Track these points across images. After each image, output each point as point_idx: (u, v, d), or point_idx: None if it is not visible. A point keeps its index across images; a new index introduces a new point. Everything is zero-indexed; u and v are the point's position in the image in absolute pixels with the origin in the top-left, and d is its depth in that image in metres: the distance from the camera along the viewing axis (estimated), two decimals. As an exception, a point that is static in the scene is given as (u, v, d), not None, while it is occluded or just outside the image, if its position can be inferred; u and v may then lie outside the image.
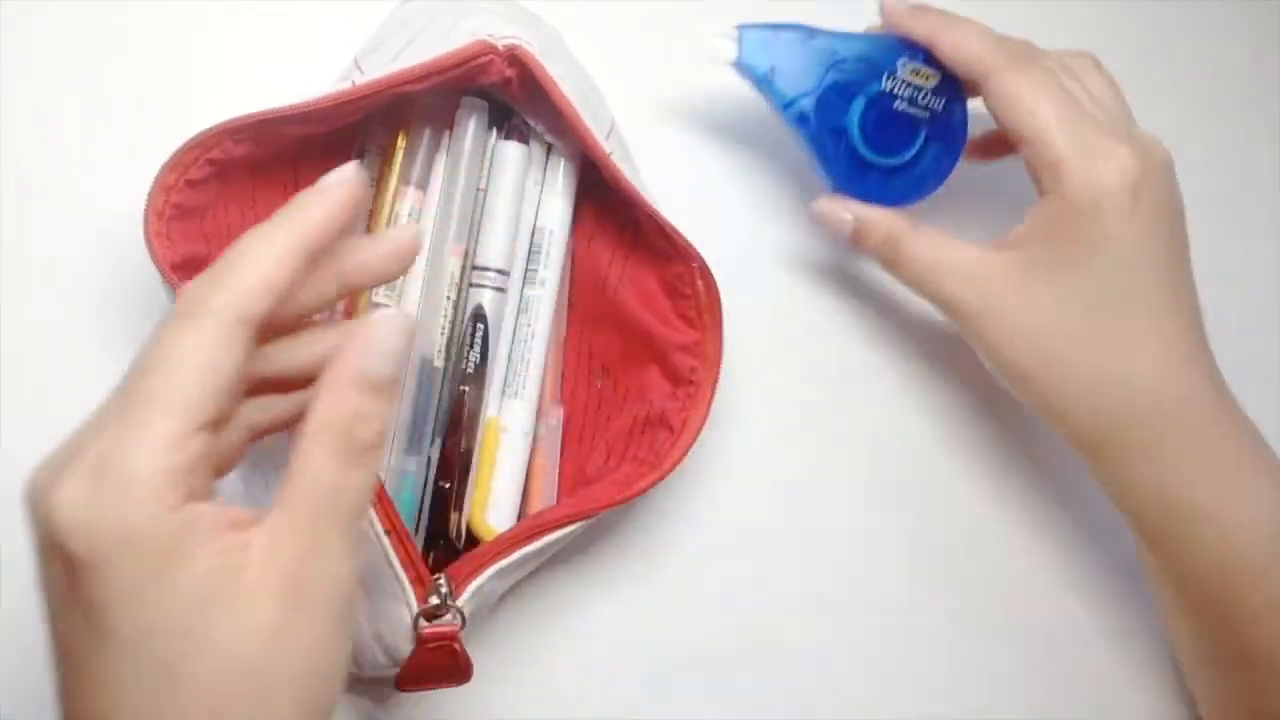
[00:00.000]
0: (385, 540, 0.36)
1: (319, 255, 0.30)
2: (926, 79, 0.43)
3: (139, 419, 0.27)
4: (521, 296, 0.43)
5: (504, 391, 0.43)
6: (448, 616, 0.36)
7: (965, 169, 0.46)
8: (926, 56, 0.43)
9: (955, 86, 0.44)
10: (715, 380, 0.40)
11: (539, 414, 0.43)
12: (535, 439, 0.43)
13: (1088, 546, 0.48)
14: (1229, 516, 0.40)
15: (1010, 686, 0.47)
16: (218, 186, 0.38)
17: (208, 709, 0.26)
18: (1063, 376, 0.41)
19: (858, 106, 0.43)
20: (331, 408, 0.28)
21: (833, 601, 0.47)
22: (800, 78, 0.43)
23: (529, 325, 0.43)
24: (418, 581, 0.36)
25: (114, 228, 0.37)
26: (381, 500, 0.36)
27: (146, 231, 0.36)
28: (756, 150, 0.49)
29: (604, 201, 0.44)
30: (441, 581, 0.36)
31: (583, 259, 0.45)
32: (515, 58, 0.39)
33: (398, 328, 0.29)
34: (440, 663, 0.37)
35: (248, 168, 0.39)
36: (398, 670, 0.37)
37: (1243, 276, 0.53)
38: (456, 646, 0.36)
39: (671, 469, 0.39)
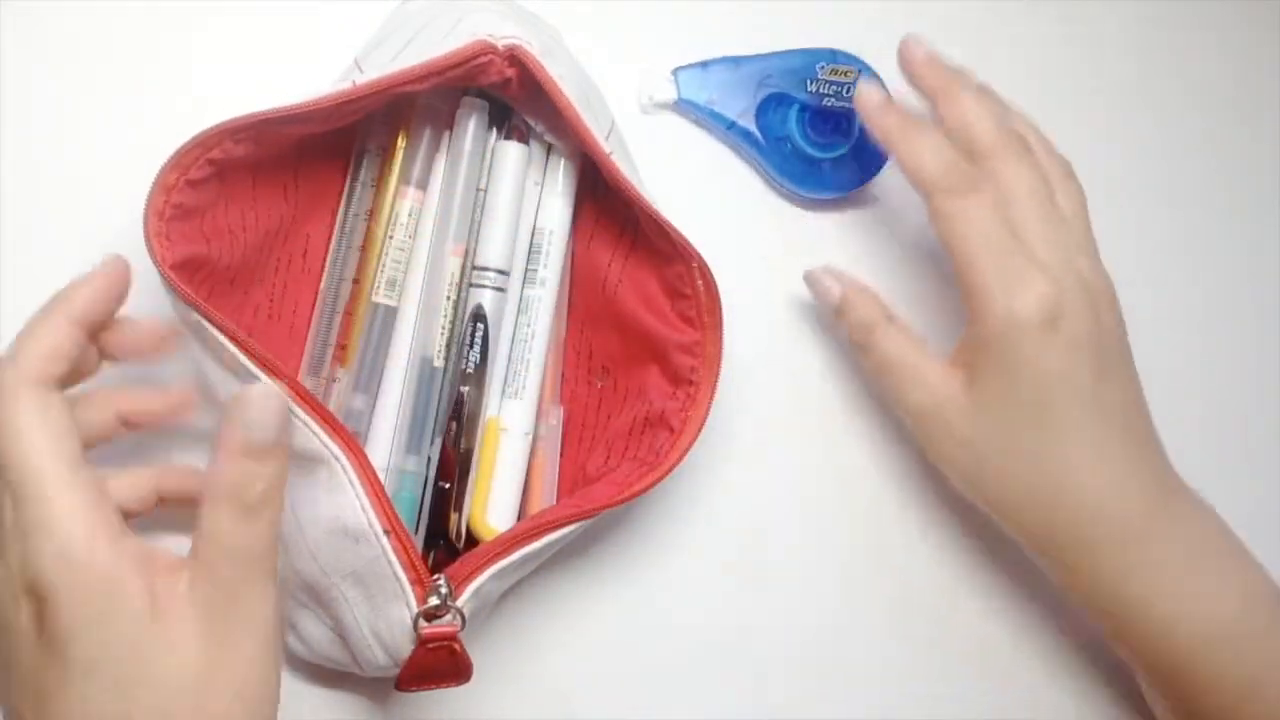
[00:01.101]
0: (385, 540, 0.36)
1: (93, 325, 0.35)
2: (846, 75, 0.48)
3: (46, 479, 0.32)
4: (521, 296, 0.43)
5: (504, 391, 0.43)
6: (447, 617, 0.36)
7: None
8: (842, 56, 0.48)
9: (874, 73, 0.48)
10: (715, 380, 0.40)
11: (539, 414, 0.43)
12: (535, 439, 0.43)
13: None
14: (1175, 618, 0.41)
15: (1009, 689, 0.47)
16: (218, 186, 0.38)
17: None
18: (999, 484, 0.43)
19: (793, 113, 0.48)
20: (221, 473, 0.32)
21: (832, 601, 0.47)
22: (736, 101, 0.48)
23: (529, 325, 0.43)
24: (417, 582, 0.36)
25: (114, 228, 0.37)
26: (381, 500, 0.36)
27: (146, 232, 0.36)
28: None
29: (604, 201, 0.44)
30: (441, 582, 0.36)
31: (583, 259, 0.45)
32: (515, 58, 0.39)
33: (271, 400, 0.33)
34: (440, 663, 0.37)
35: (248, 168, 0.39)
36: (398, 670, 0.37)
37: (1247, 278, 0.53)
38: (456, 647, 0.36)
39: (671, 469, 0.39)
